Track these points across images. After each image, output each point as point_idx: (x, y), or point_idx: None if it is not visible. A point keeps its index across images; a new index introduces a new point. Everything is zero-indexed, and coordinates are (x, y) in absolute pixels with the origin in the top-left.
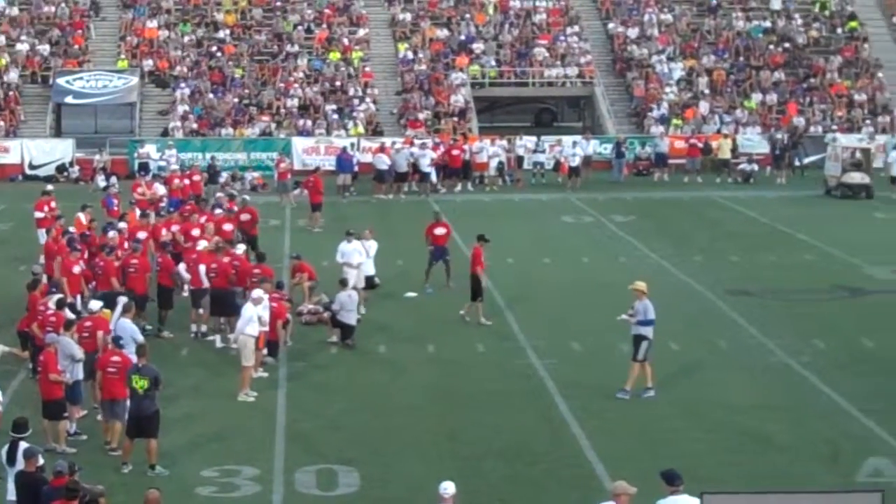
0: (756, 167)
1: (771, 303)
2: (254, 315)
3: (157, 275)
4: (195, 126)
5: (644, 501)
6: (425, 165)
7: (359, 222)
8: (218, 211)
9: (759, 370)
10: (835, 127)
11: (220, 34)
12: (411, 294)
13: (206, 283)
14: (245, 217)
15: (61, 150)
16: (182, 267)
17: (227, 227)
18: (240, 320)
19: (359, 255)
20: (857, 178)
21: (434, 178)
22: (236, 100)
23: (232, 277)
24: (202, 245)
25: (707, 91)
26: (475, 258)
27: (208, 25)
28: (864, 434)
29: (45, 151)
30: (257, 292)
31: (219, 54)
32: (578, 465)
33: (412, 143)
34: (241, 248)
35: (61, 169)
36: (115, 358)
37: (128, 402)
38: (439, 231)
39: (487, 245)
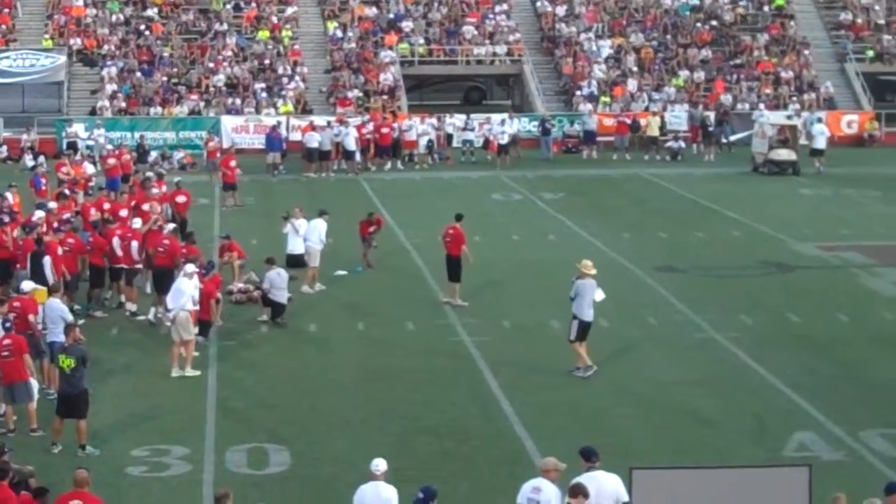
0: (683, 144)
1: (699, 279)
2: (190, 290)
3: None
4: (124, 105)
5: (572, 476)
6: (350, 144)
7: (288, 201)
8: (155, 191)
9: (688, 346)
10: (762, 104)
11: (149, 12)
12: (341, 272)
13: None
14: (181, 199)
15: None
16: (116, 243)
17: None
18: (175, 296)
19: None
20: (784, 154)
21: (358, 156)
22: (165, 78)
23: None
24: (137, 223)
25: (635, 69)
26: (455, 239)
27: (136, 4)
28: (791, 409)
29: None
30: (190, 266)
31: (147, 33)
32: (508, 442)
33: (342, 122)
34: (170, 227)
35: None
36: (7, 341)
37: (30, 383)
38: (371, 228)
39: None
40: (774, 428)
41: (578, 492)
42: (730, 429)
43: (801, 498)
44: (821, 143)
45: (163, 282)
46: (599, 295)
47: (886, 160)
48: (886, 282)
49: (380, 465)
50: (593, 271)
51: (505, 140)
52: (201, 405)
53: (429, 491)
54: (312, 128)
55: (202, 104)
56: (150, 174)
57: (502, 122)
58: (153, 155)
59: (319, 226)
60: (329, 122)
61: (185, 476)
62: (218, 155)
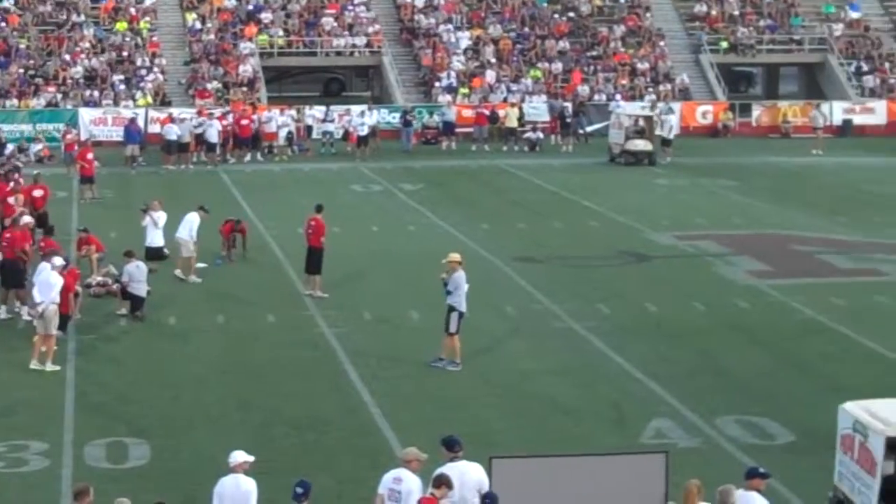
0: (542, 135)
1: (557, 269)
2: (59, 283)
3: None
4: None
5: (434, 467)
6: (212, 136)
7: (147, 193)
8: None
9: (546, 336)
10: (618, 95)
11: (5, 3)
12: (201, 265)
13: None
14: (38, 193)
15: None
16: None
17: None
18: (44, 289)
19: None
20: (640, 145)
21: (219, 148)
22: (21, 70)
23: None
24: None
25: (494, 60)
26: (316, 230)
27: None
28: (648, 396)
29: None
30: (58, 259)
31: (2, 24)
32: (369, 433)
33: (203, 113)
34: (25, 220)
35: None
36: None
37: None
38: (234, 232)
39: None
40: (632, 416)
41: (442, 482)
42: (588, 417)
43: (658, 484)
44: (669, 133)
45: (10, 276)
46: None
47: (741, 150)
48: (741, 270)
49: (238, 457)
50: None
51: (364, 131)
52: (60, 400)
53: (307, 485)
54: (171, 120)
55: (59, 96)
56: (7, 167)
57: (362, 114)
58: (9, 147)
59: (193, 220)
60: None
61: (43, 471)
62: (76, 147)
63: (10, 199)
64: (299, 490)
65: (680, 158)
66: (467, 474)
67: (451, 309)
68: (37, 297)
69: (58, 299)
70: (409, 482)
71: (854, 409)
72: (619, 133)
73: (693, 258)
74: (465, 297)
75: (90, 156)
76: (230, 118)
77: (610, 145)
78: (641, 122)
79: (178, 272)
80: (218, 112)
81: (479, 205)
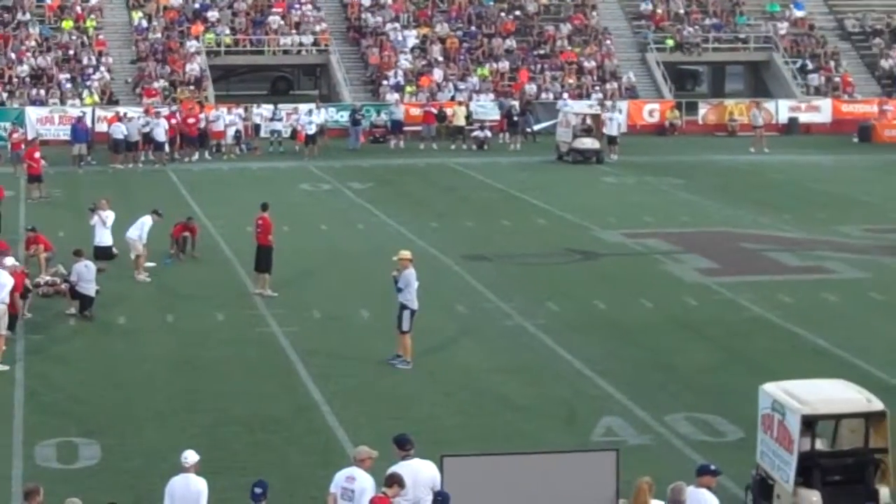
0: (489, 134)
1: (506, 267)
2: (9, 282)
3: None
4: None
5: (386, 465)
6: (161, 135)
7: (95, 192)
8: None
9: (496, 334)
10: (565, 94)
11: None
12: (149, 264)
13: None
14: None
15: None
16: None
17: None
18: None
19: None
20: (587, 143)
21: (167, 147)
22: None
23: None
24: None
25: (441, 59)
26: (265, 228)
27: None
28: (598, 394)
29: None
30: (9, 259)
31: None
32: (319, 432)
33: (150, 112)
34: None
35: None
36: None
37: None
38: (185, 232)
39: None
40: (583, 413)
41: (394, 481)
42: (539, 415)
43: (609, 482)
44: (614, 131)
45: None
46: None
47: (688, 148)
48: (689, 268)
49: (189, 456)
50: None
51: (312, 130)
52: (9, 400)
53: (264, 485)
54: (118, 119)
55: (6, 95)
56: None
57: (309, 112)
58: None
59: (146, 222)
60: (125, 113)
61: None
62: (22, 147)
63: None
64: (258, 490)
65: (627, 157)
66: (420, 472)
67: (403, 307)
68: None
69: (7, 299)
70: (361, 481)
71: (773, 389)
72: (566, 131)
73: (641, 256)
74: (416, 294)
75: (37, 155)
76: (179, 117)
77: (557, 143)
78: (589, 121)
79: (140, 276)
80: (165, 111)
81: (428, 203)
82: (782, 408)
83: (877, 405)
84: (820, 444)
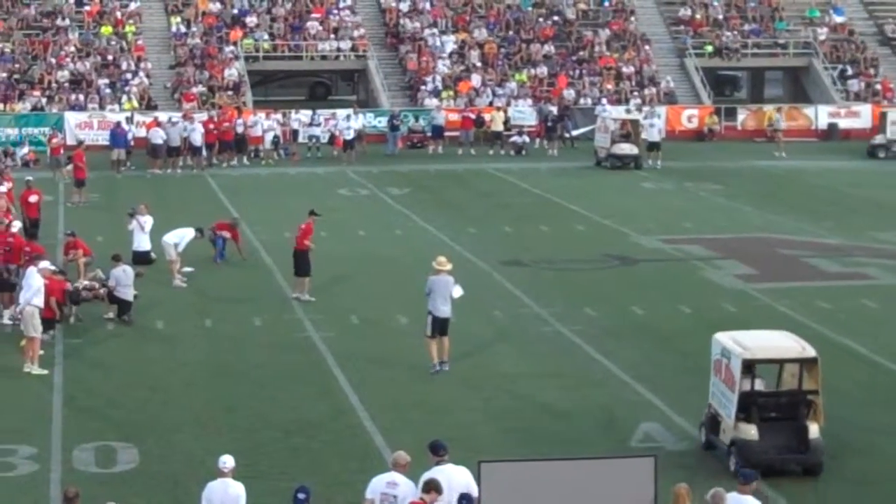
0: (528, 139)
1: (544, 272)
2: (41, 286)
3: None
4: None
5: (419, 471)
6: (197, 140)
7: (134, 197)
8: (2, 188)
9: (534, 339)
10: (604, 99)
11: None
12: (188, 269)
13: None
14: (33, 199)
15: None
16: None
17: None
18: (26, 291)
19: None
20: (625, 148)
21: (205, 152)
22: (5, 75)
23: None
24: None
25: (479, 64)
26: (305, 233)
27: None
28: (637, 400)
29: None
30: (45, 263)
31: None
32: (356, 437)
33: (187, 117)
34: (17, 226)
35: None
36: None
37: None
38: (226, 231)
39: (318, 219)
40: (621, 419)
41: (432, 487)
42: (577, 421)
43: (647, 488)
44: (655, 137)
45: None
46: (458, 291)
47: (726, 154)
48: (727, 274)
49: (227, 461)
50: (448, 267)
51: (350, 135)
52: (48, 404)
53: (308, 491)
54: (157, 124)
55: (45, 100)
56: None
57: (347, 118)
58: None
59: (187, 236)
60: (170, 118)
61: (32, 476)
62: (62, 152)
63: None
64: (301, 496)
65: (666, 162)
66: (454, 478)
67: (428, 312)
68: (21, 300)
69: (38, 302)
70: (404, 486)
71: (722, 337)
72: (605, 137)
73: (680, 262)
74: (446, 300)
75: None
76: (215, 121)
77: (596, 149)
78: (627, 126)
79: (175, 281)
80: (203, 116)
81: (466, 209)
82: (728, 353)
83: (810, 352)
84: (762, 386)
